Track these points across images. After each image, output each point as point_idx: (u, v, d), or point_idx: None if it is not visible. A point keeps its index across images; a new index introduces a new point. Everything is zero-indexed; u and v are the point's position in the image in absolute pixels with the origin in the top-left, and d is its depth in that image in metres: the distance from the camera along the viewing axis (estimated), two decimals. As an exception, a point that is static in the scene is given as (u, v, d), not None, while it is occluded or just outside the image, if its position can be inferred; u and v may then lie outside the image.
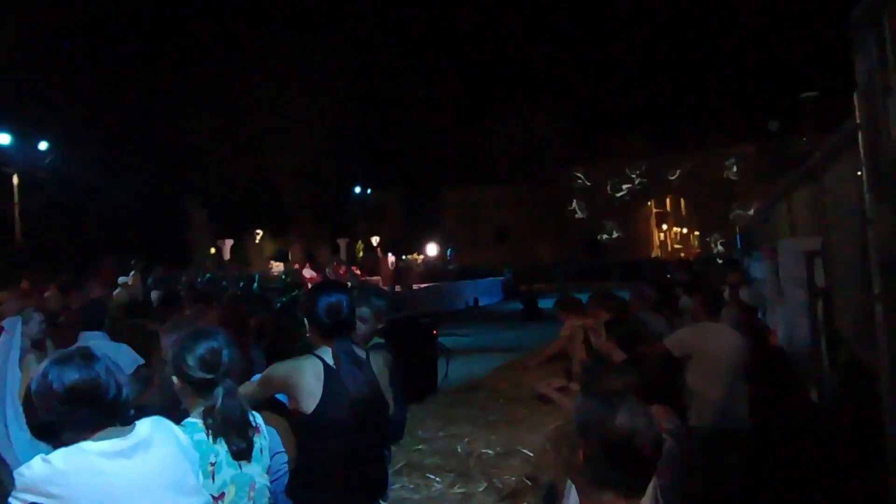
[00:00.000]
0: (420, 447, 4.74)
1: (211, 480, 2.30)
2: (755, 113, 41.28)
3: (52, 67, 25.10)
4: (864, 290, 3.27)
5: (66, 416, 1.94)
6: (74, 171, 24.94)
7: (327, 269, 23.16)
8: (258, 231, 35.00)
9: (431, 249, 39.90)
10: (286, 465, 2.92)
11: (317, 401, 2.75)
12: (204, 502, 2.18)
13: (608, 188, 49.36)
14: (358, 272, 25.16)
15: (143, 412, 2.17)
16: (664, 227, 51.78)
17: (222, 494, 2.33)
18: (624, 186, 49.15)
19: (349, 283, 12.92)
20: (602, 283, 26.70)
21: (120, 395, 2.00)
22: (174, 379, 2.46)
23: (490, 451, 4.57)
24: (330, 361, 2.82)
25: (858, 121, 2.91)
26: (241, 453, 2.38)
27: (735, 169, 45.87)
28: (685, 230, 51.32)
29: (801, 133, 31.87)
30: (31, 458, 1.91)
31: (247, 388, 2.86)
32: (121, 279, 14.32)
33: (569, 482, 2.09)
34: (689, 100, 46.86)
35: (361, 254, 34.16)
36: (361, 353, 2.95)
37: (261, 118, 32.45)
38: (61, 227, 24.85)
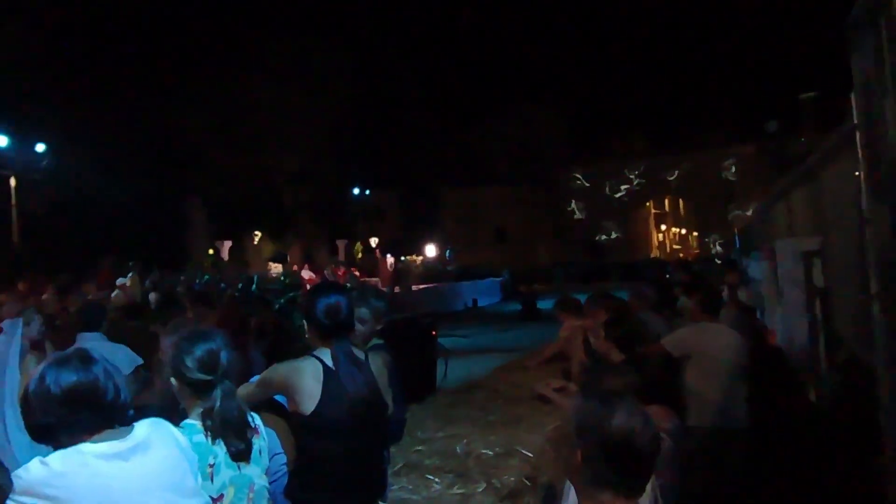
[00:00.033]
0: (419, 448, 4.74)
1: (210, 482, 2.30)
2: (753, 113, 41.35)
3: (50, 68, 25.07)
4: (862, 289, 3.28)
5: (65, 418, 1.93)
6: (72, 172, 24.90)
7: (326, 271, 23.17)
8: (257, 232, 34.98)
9: (430, 250, 39.90)
10: (285, 466, 2.92)
11: (316, 402, 2.75)
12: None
13: (607, 189, 49.38)
14: (357, 273, 25.17)
15: (143, 412, 2.17)
16: (663, 227, 51.82)
17: (221, 496, 2.33)
18: (623, 187, 49.16)
19: (348, 285, 12.93)
20: (601, 284, 26.73)
21: (118, 398, 2.00)
22: (172, 380, 2.46)
23: (489, 452, 4.57)
24: (329, 362, 2.82)
25: (856, 121, 2.91)
26: (240, 454, 2.38)
27: (734, 169, 45.92)
28: (684, 231, 51.37)
29: (799, 133, 31.91)
30: (30, 460, 1.91)
31: (246, 390, 2.86)
32: (119, 281, 14.33)
33: (568, 482, 2.09)
34: (688, 100, 46.91)
35: (360, 255, 34.14)
36: (360, 354, 2.95)
37: (259, 119, 32.44)
38: (59, 229, 24.83)
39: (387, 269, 27.77)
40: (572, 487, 2.04)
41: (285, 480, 2.87)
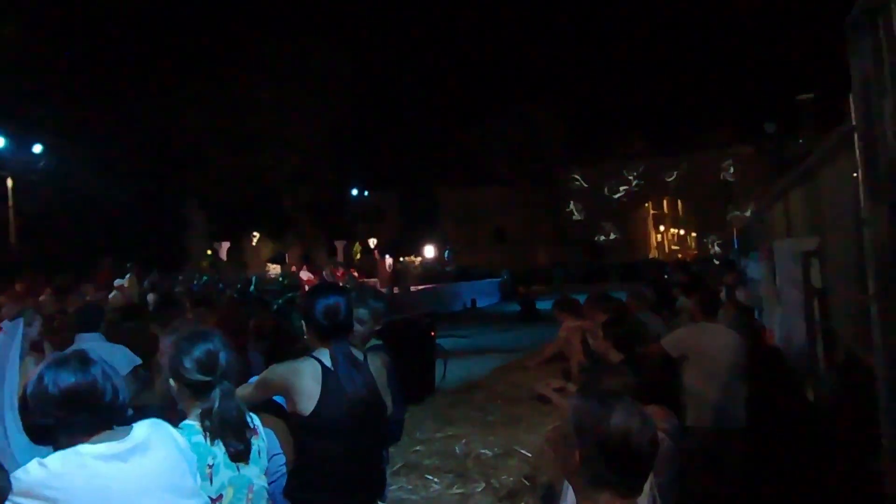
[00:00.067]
0: (418, 448, 4.75)
1: (209, 482, 2.30)
2: (752, 114, 41.36)
3: (47, 69, 25.03)
4: (860, 290, 3.28)
5: (63, 419, 1.93)
6: (69, 173, 24.88)
7: (325, 271, 23.17)
8: (255, 233, 34.97)
9: (429, 251, 39.90)
10: (284, 466, 2.92)
11: (315, 402, 2.75)
12: (202, 504, 2.18)
13: (606, 190, 49.39)
14: (355, 274, 25.16)
15: (142, 412, 2.17)
16: (661, 228, 51.87)
17: (220, 496, 2.33)
18: (621, 188, 49.18)
19: (347, 286, 12.91)
20: (600, 285, 26.75)
21: (117, 399, 2.00)
22: (171, 381, 2.46)
23: (488, 452, 4.58)
24: (328, 363, 2.82)
25: (854, 122, 2.91)
26: (239, 455, 2.38)
27: (732, 170, 45.95)
28: (682, 231, 51.43)
29: (798, 134, 31.92)
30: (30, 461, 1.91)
31: (244, 391, 2.86)
32: (117, 282, 14.33)
33: (566, 482, 2.09)
34: (687, 101, 46.97)
35: (359, 256, 34.14)
36: (359, 355, 2.95)
37: (258, 120, 32.42)
38: (57, 230, 24.80)
39: (385, 270, 27.76)
40: (571, 487, 2.04)
41: (284, 481, 2.88)
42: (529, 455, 4.48)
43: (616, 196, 49.37)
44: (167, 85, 30.17)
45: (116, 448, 1.95)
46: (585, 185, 49.86)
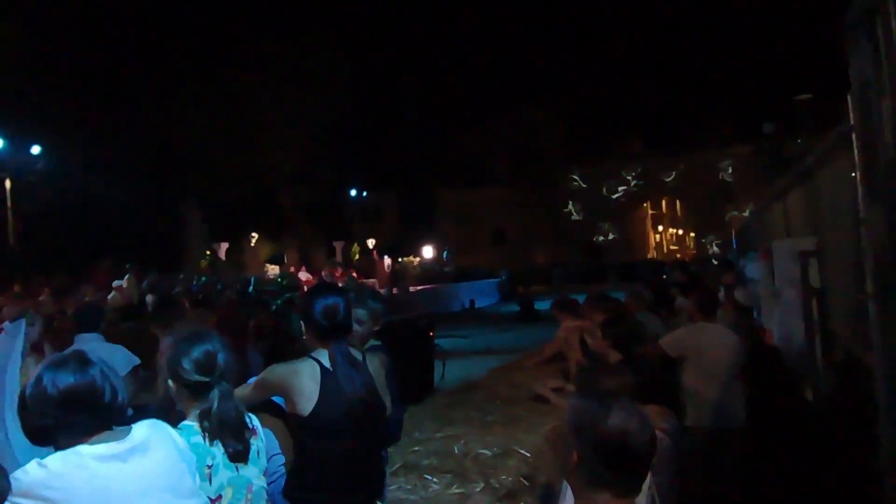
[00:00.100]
0: (417, 448, 4.74)
1: (208, 483, 2.30)
2: (750, 115, 41.41)
3: (46, 70, 25.03)
4: (858, 289, 3.29)
5: (62, 420, 1.93)
6: (68, 174, 24.87)
7: (324, 272, 23.16)
8: (254, 234, 34.93)
9: (428, 251, 39.89)
10: (283, 466, 2.92)
11: (313, 403, 2.75)
12: (201, 504, 2.19)
13: (604, 190, 49.39)
14: (355, 275, 25.15)
15: (142, 412, 2.17)
16: (660, 228, 51.89)
17: (219, 497, 2.33)
18: (620, 188, 49.18)
19: (346, 286, 12.90)
20: (599, 285, 26.77)
21: (116, 399, 2.00)
22: (169, 382, 2.46)
23: (487, 452, 4.57)
24: (326, 363, 2.83)
25: (852, 122, 2.92)
26: (238, 455, 2.39)
27: (731, 170, 45.96)
28: (681, 231, 51.44)
29: (796, 134, 31.94)
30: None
31: (243, 391, 2.86)
32: (115, 283, 14.33)
33: (565, 482, 2.09)
34: (685, 102, 47.04)
35: (357, 256, 34.13)
36: (358, 355, 2.95)
37: (256, 120, 32.40)
38: (55, 231, 24.79)
39: (384, 271, 27.77)
40: (569, 487, 2.04)
41: (283, 481, 2.88)
42: (528, 455, 4.47)
43: (615, 196, 49.38)
44: (165, 85, 30.17)
45: (116, 448, 1.95)
46: (584, 186, 49.87)
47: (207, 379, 2.40)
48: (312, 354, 2.87)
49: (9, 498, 1.82)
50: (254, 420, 2.55)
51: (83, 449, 1.92)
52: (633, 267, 34.71)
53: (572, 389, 4.33)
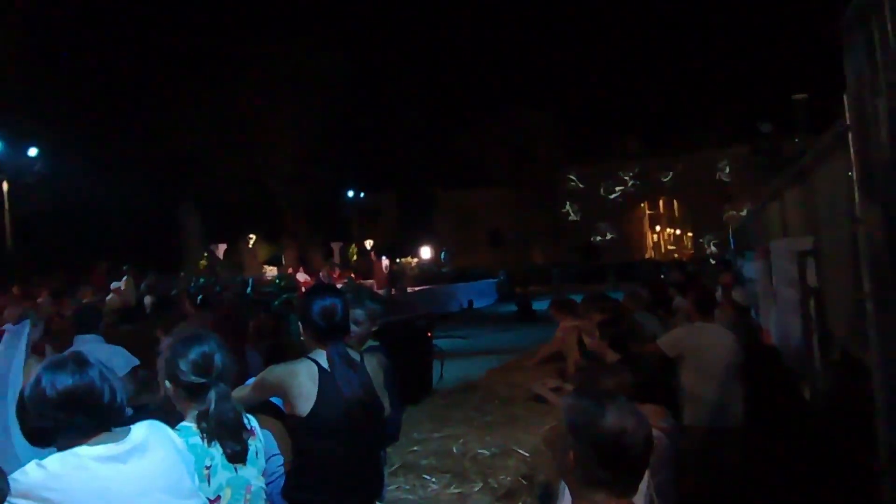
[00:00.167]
0: (416, 448, 4.75)
1: (207, 484, 2.31)
2: (747, 114, 41.49)
3: (43, 73, 25.00)
4: (855, 288, 3.29)
5: (61, 421, 1.93)
6: (65, 177, 24.83)
7: (321, 273, 23.15)
8: (252, 235, 34.91)
9: (425, 252, 39.89)
10: (282, 467, 2.92)
11: (312, 403, 2.75)
12: (200, 505, 2.19)
13: (602, 190, 49.43)
14: (353, 276, 25.14)
15: (142, 412, 2.17)
16: (657, 228, 51.93)
17: (218, 497, 2.34)
18: (617, 188, 49.22)
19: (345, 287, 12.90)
20: (596, 285, 26.78)
21: (114, 400, 2.00)
22: (167, 383, 2.47)
23: (485, 452, 4.58)
24: (324, 364, 2.83)
25: (848, 122, 2.93)
26: (237, 456, 2.39)
27: (728, 170, 46.01)
28: (678, 231, 51.49)
29: (793, 134, 31.99)
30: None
31: (242, 392, 2.87)
32: (113, 285, 14.32)
33: (563, 481, 2.10)
34: (682, 102, 47.14)
35: (355, 257, 34.12)
36: (356, 356, 2.96)
37: (253, 122, 32.39)
38: (52, 233, 24.76)
39: (382, 272, 27.73)
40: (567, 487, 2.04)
41: (282, 482, 2.88)
42: (527, 455, 4.48)
43: (612, 196, 49.41)
44: (163, 87, 30.15)
45: (115, 450, 1.96)
46: (581, 186, 49.89)
47: (204, 380, 2.40)
48: (310, 355, 2.87)
49: (8, 499, 1.82)
50: (252, 421, 2.55)
51: (82, 450, 1.92)
52: (630, 267, 34.73)
53: (570, 389, 4.34)
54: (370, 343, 3.65)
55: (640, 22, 49.94)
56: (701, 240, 46.71)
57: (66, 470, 1.87)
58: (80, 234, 25.01)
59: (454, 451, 4.65)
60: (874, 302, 2.65)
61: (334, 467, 2.79)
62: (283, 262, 31.68)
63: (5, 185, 22.99)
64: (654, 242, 51.62)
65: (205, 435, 2.35)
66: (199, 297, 7.32)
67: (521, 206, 48.79)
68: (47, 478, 1.85)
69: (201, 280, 20.38)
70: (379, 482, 3.14)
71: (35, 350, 4.45)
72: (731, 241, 18.09)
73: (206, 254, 30.47)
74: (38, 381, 1.97)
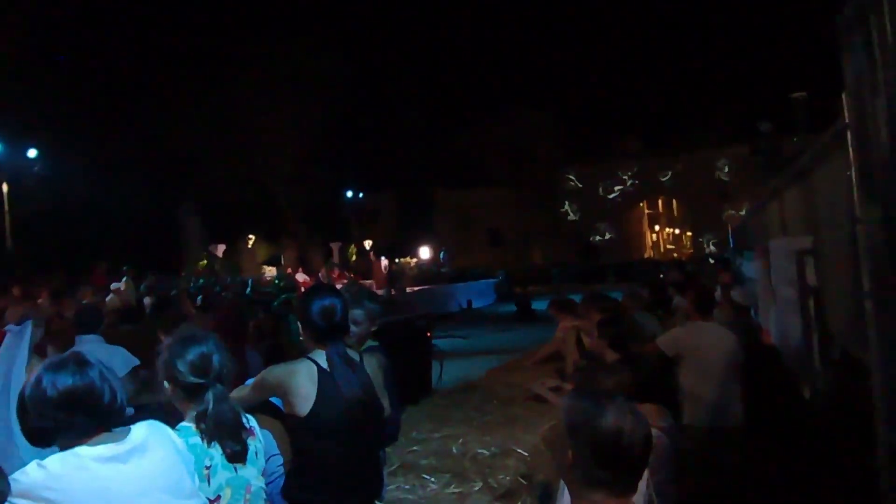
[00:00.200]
0: (415, 448, 4.75)
1: (207, 484, 2.31)
2: (746, 113, 41.48)
3: (42, 73, 25.00)
4: (854, 287, 3.29)
5: (61, 421, 1.94)
6: (64, 178, 24.84)
7: (321, 273, 23.14)
8: (251, 236, 34.90)
9: (425, 252, 39.86)
10: (282, 467, 2.92)
11: (311, 403, 2.76)
12: (200, 505, 2.19)
13: (601, 190, 49.46)
14: (352, 276, 25.12)
15: (142, 411, 2.17)
16: (657, 227, 51.95)
17: (218, 497, 2.34)
18: (616, 188, 49.25)
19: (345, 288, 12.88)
20: (596, 285, 26.79)
21: (115, 401, 2.01)
22: (165, 384, 2.47)
23: (485, 452, 4.58)
24: (324, 364, 2.83)
25: (847, 121, 2.93)
26: (236, 456, 2.39)
27: (727, 169, 46.03)
28: (678, 231, 51.51)
29: (792, 133, 31.98)
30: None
31: (241, 392, 2.87)
32: (113, 285, 14.30)
33: (562, 481, 2.10)
34: (681, 101, 47.15)
35: (354, 257, 34.09)
36: (355, 356, 2.96)
37: (253, 123, 32.37)
38: (52, 234, 24.75)
39: (381, 272, 27.72)
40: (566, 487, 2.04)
41: (282, 481, 2.88)
42: (526, 454, 4.48)
43: (611, 196, 49.44)
44: (162, 87, 30.13)
45: (115, 450, 1.96)
46: (580, 186, 49.92)
47: (202, 381, 2.40)
48: (310, 355, 2.87)
49: (8, 499, 1.82)
50: (251, 421, 2.55)
51: (82, 450, 1.92)
52: (630, 266, 34.76)
53: (570, 389, 4.34)
54: (369, 343, 3.65)
55: (639, 22, 50.01)
56: (700, 239, 46.75)
57: (67, 470, 1.88)
58: (80, 234, 24.99)
59: (454, 450, 4.65)
60: (873, 301, 2.65)
61: (334, 467, 2.80)
62: (283, 262, 31.65)
63: (5, 186, 22.98)
64: (653, 242, 51.65)
65: (204, 435, 2.35)
66: (199, 297, 7.32)
67: (520, 206, 48.82)
68: (48, 478, 1.85)
69: (201, 280, 20.38)
70: (378, 482, 3.14)
71: (37, 350, 4.45)
72: (731, 240, 18.08)
73: (205, 254, 30.44)
74: (38, 381, 1.97)
